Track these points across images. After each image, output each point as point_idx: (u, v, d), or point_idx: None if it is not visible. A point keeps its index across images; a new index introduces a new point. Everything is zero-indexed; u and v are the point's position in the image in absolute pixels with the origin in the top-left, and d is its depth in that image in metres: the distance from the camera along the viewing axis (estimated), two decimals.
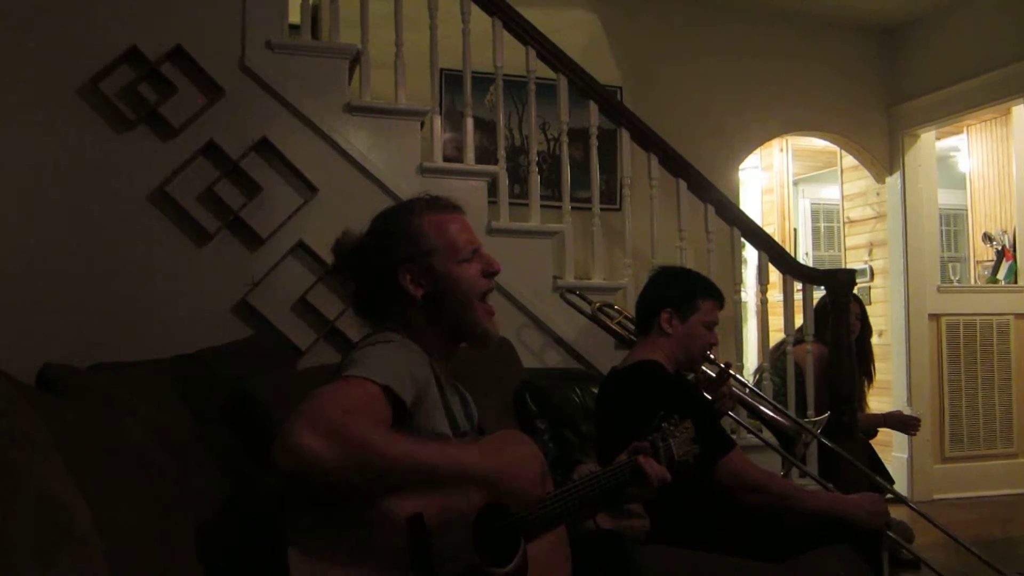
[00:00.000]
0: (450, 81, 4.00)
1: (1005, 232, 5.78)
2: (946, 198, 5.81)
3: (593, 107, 3.28)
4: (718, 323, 2.31)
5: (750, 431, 2.97)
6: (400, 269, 1.54)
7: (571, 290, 3.13)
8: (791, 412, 3.20)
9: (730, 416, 2.93)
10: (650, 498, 1.63)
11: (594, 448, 2.48)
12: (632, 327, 2.80)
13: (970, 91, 4.83)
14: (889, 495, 3.16)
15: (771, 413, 2.55)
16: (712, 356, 2.44)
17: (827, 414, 2.71)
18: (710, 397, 2.36)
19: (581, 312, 3.08)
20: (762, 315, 3.45)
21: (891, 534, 2.45)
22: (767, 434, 3.02)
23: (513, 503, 1.37)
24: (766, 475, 2.12)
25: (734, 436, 3.15)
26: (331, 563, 1.24)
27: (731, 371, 2.39)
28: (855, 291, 3.50)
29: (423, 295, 1.54)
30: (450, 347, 1.60)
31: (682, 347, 2.27)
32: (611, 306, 3.07)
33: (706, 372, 2.42)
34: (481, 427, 1.66)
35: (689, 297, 2.27)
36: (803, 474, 3.09)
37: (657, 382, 2.17)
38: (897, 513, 3.61)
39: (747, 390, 2.62)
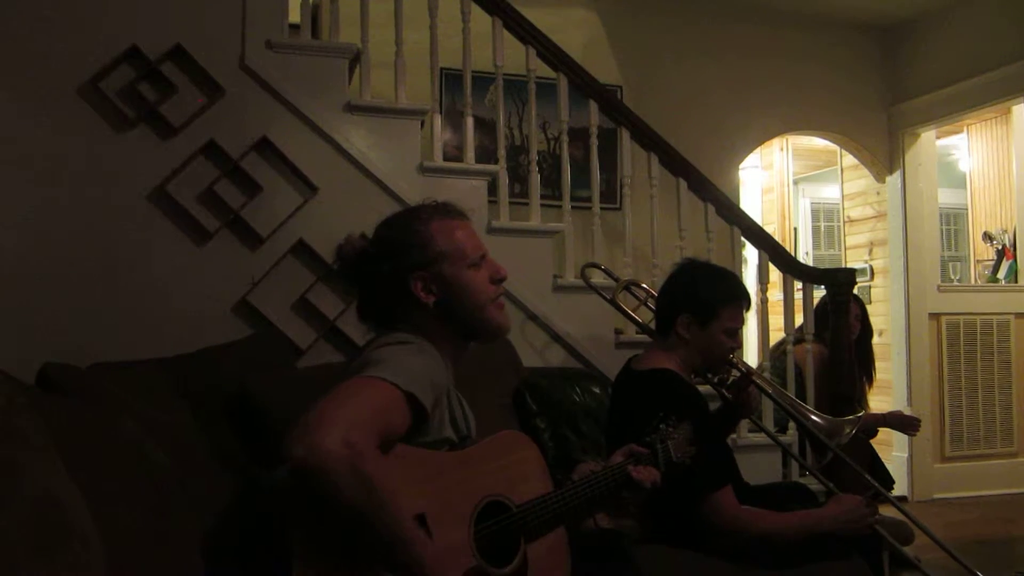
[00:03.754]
0: (450, 80, 4.00)
1: (1005, 231, 5.78)
2: (946, 197, 5.81)
3: (593, 106, 3.28)
4: (742, 325, 2.20)
5: (761, 428, 2.96)
6: (411, 276, 1.53)
7: (596, 265, 3.12)
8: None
9: (751, 419, 2.92)
10: (644, 500, 1.63)
11: (594, 447, 2.48)
12: None
13: (970, 90, 4.83)
14: (881, 496, 3.16)
15: (814, 417, 2.47)
16: (735, 358, 2.29)
17: (861, 412, 2.63)
18: (731, 399, 2.31)
19: (602, 296, 3.06)
20: (762, 314, 3.45)
21: (887, 537, 2.44)
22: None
23: None
24: (747, 516, 1.99)
25: (734, 436, 3.17)
26: (334, 562, 1.24)
27: (753, 376, 2.29)
28: (855, 291, 3.50)
29: (435, 302, 1.53)
30: (461, 348, 1.60)
31: (700, 354, 2.17)
32: (638, 284, 3.02)
33: (729, 373, 2.31)
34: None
35: (709, 304, 2.13)
36: (804, 472, 3.10)
37: (670, 397, 2.06)
38: (898, 513, 3.61)
39: (774, 391, 2.52)
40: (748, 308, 2.23)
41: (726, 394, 2.32)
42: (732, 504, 1.99)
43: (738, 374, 2.29)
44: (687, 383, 2.17)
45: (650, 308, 2.90)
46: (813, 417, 2.46)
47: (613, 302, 3.02)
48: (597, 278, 3.18)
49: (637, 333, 3.12)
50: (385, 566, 1.24)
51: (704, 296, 2.15)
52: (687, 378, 2.18)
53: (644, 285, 3.02)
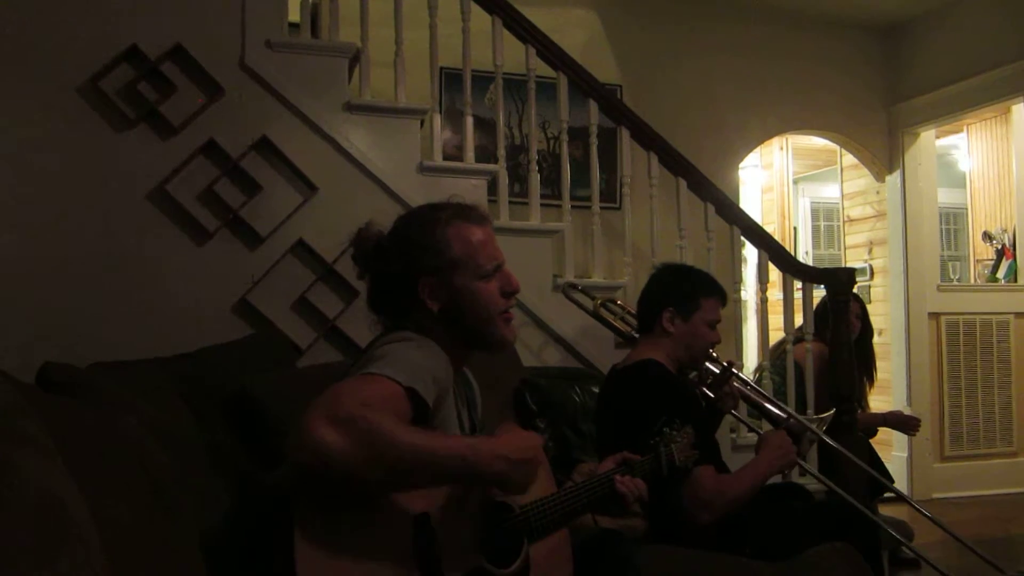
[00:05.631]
0: (450, 80, 4.00)
1: (1005, 231, 5.78)
2: (946, 197, 5.81)
3: (593, 106, 3.28)
4: (721, 321, 2.29)
5: (751, 429, 2.97)
6: (420, 280, 1.50)
7: (574, 286, 3.12)
8: (792, 410, 3.20)
9: (732, 414, 2.92)
10: (631, 511, 1.64)
11: (595, 446, 2.48)
12: (634, 323, 2.79)
13: (970, 90, 4.83)
14: (890, 494, 3.16)
15: (776, 411, 2.53)
16: (715, 354, 2.40)
17: (832, 411, 2.69)
18: (712, 395, 2.35)
19: (583, 308, 3.08)
20: (762, 314, 3.45)
21: (891, 531, 2.45)
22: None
23: (517, 490, 1.35)
24: (716, 486, 2.04)
25: (733, 436, 3.17)
26: (337, 562, 1.24)
27: (734, 369, 2.37)
28: (855, 290, 3.50)
29: (440, 308, 1.51)
30: (464, 355, 1.59)
31: (684, 346, 2.25)
32: (613, 301, 3.06)
33: (710, 369, 2.39)
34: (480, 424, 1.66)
35: (691, 296, 2.24)
36: (803, 472, 3.09)
37: (656, 383, 2.15)
38: (898, 512, 3.62)
39: (749, 387, 2.60)
40: (725, 304, 2.33)
41: (707, 391, 2.37)
42: (709, 476, 2.03)
43: (717, 370, 2.36)
44: (672, 373, 2.22)
45: (627, 323, 2.94)
46: (781, 414, 2.53)
47: (596, 315, 3.02)
48: (596, 277, 3.18)
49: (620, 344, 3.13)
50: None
51: (687, 289, 2.26)
52: (672, 370, 2.24)
53: (619, 302, 3.05)
